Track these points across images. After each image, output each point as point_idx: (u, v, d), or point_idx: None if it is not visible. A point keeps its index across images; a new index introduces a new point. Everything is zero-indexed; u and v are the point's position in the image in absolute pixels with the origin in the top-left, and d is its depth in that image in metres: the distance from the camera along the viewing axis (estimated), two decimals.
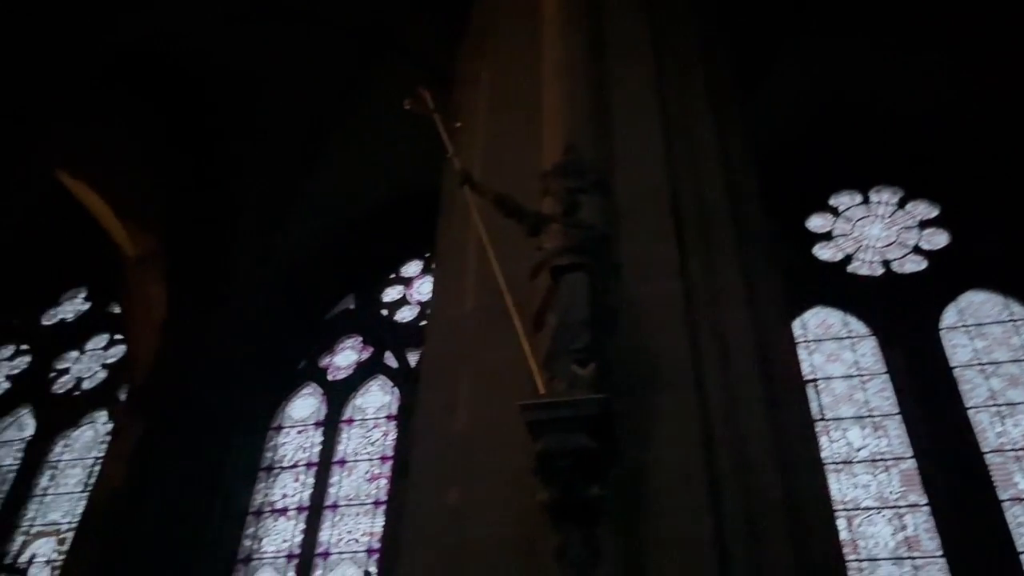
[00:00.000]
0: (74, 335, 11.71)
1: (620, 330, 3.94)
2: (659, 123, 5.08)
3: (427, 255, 11.57)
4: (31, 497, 10.21)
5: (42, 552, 9.51)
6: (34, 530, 9.89)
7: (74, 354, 11.57)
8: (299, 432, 10.31)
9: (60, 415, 10.89)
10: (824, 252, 10.10)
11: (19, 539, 9.84)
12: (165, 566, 8.77)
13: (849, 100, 9.83)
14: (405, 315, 11.15)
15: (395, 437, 9.86)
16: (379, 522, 9.23)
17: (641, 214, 4.65)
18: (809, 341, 9.18)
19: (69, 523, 9.76)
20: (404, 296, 11.35)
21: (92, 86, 9.19)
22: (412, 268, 11.56)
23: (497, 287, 4.17)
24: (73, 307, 12.05)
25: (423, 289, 11.37)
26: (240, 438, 10.13)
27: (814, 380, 8.79)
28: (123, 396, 10.67)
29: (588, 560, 3.14)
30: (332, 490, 9.68)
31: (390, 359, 10.70)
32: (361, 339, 10.96)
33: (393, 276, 11.54)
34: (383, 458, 9.76)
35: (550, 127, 5.01)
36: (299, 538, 9.35)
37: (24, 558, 9.48)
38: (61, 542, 9.65)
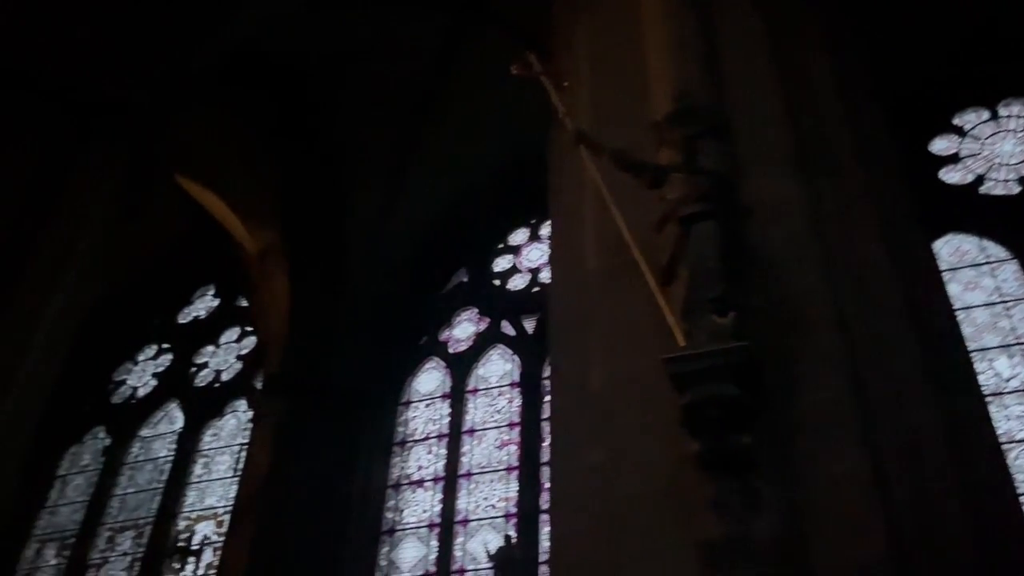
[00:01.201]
0: (208, 331, 12.35)
1: (755, 275, 3.84)
2: (772, 61, 4.88)
3: (533, 222, 11.61)
4: (188, 484, 10.89)
5: (205, 534, 10.14)
6: (194, 514, 10.56)
7: (210, 348, 12.20)
8: (427, 405, 10.58)
9: (204, 407, 11.53)
10: (952, 175, 9.53)
11: (182, 523, 10.54)
12: (315, 540, 9.23)
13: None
14: (517, 283, 11.24)
15: (520, 404, 10.00)
16: (513, 488, 9.41)
17: (762, 155, 4.50)
18: (944, 271, 8.72)
19: (224, 506, 10.37)
20: (514, 265, 11.43)
21: (199, 89, 9.57)
22: (519, 236, 11.62)
23: (619, 243, 4.15)
24: (204, 304, 12.70)
25: (531, 256, 11.43)
26: (371, 415, 10.48)
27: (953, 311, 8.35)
28: (259, 384, 11.21)
29: (748, 509, 3.11)
30: (464, 459, 9.91)
31: (507, 328, 10.82)
32: (477, 310, 11.12)
33: (501, 246, 11.63)
34: (511, 425, 9.91)
35: (657, 76, 4.90)
36: (438, 507, 9.63)
37: (185, 539, 10.22)
38: (219, 524, 10.26)
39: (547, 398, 9.89)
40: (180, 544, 9.28)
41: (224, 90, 10.16)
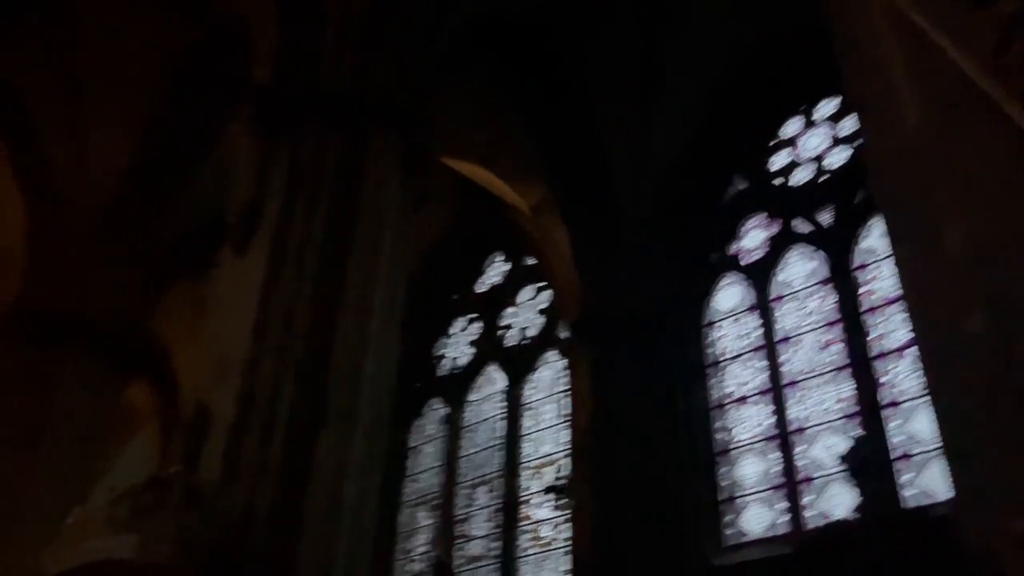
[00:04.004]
0: (506, 294, 13.00)
1: None
2: None
3: (803, 107, 10.79)
4: (521, 437, 11.59)
5: (549, 479, 10.75)
6: (534, 464, 11.23)
7: (511, 310, 12.85)
8: (733, 322, 10.30)
9: (519, 364, 12.18)
10: None
11: (525, 473, 11.26)
12: (651, 470, 9.37)
13: None
14: (800, 177, 10.52)
15: (834, 300, 9.39)
16: (847, 387, 8.89)
17: None
18: None
19: (560, 452, 10.90)
20: (793, 159, 10.70)
21: (443, 70, 9.92)
22: (792, 127, 10.84)
23: (946, 86, 3.62)
24: (497, 271, 13.38)
25: (810, 144, 10.64)
26: (677, 341, 10.40)
27: None
28: (564, 333, 11.60)
29: None
30: (785, 369, 9.53)
31: (800, 226, 10.18)
32: (764, 215, 10.58)
33: (774, 143, 10.93)
34: (829, 323, 9.35)
35: None
36: (769, 421, 9.38)
37: (533, 490, 10.91)
38: (558, 469, 10.80)
39: (864, 288, 9.22)
40: (550, 485, 9.87)
41: (464, 64, 10.48)
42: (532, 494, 10.98)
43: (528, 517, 10.88)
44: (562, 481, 9.78)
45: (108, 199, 10.11)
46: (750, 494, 9.11)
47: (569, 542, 9.99)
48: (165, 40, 9.77)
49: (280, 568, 4.99)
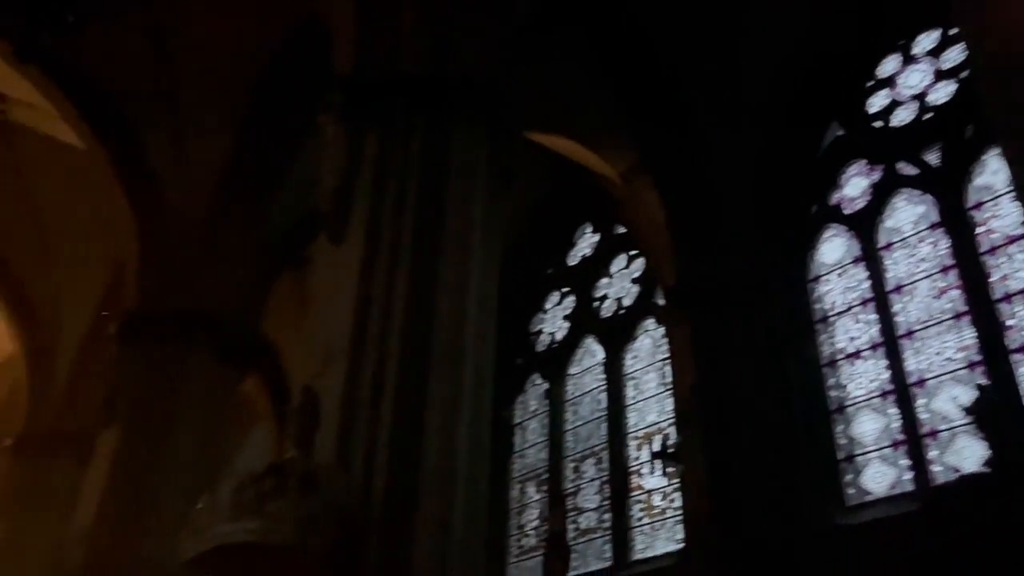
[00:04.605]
0: (598, 265, 12.88)
1: None
2: None
3: (901, 43, 10.22)
4: (625, 407, 11.49)
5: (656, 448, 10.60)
6: (640, 433, 11.11)
7: (605, 280, 12.72)
8: (839, 276, 9.90)
9: (617, 334, 12.06)
10: None
11: (632, 443, 11.16)
12: (761, 432, 9.09)
13: None
14: (902, 117, 9.97)
15: (948, 243, 8.88)
16: (968, 334, 8.41)
17: None
18: None
19: (666, 420, 10.74)
20: (892, 99, 10.14)
21: (523, 45, 9.81)
22: (889, 66, 10.30)
23: None
24: (587, 242, 13.26)
25: (911, 82, 10.08)
26: (779, 299, 10.05)
27: None
28: (661, 300, 11.40)
29: None
30: (899, 319, 9.10)
31: (905, 168, 9.66)
32: (864, 161, 10.09)
33: (871, 84, 10.38)
34: (943, 269, 8.86)
35: None
36: (885, 375, 8.98)
37: (642, 460, 10.81)
38: (665, 437, 10.65)
39: (981, 228, 8.71)
40: (658, 451, 9.74)
41: (543, 35, 10.32)
42: (641, 464, 10.89)
43: (639, 487, 10.80)
44: (671, 448, 9.63)
45: (211, 199, 10.50)
46: (871, 451, 8.76)
47: (681, 511, 9.88)
48: (252, 39, 10.04)
49: (398, 544, 5.09)
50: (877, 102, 10.22)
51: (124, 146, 10.50)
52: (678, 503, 10.01)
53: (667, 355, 10.96)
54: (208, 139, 10.50)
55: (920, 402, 8.55)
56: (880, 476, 8.63)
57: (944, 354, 8.55)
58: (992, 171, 8.68)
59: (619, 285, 12.49)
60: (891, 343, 8.97)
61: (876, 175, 9.90)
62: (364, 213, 6.75)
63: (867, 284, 9.50)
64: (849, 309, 9.62)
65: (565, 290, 13.22)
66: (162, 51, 10.02)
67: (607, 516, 10.92)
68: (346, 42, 7.84)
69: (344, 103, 7.41)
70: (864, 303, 9.45)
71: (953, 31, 9.45)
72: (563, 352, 12.72)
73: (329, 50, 8.21)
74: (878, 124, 10.10)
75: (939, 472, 8.11)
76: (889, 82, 10.21)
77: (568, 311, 13.02)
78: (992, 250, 8.50)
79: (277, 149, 10.90)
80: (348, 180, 7.03)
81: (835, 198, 10.21)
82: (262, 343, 11.70)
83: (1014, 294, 8.21)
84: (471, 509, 5.64)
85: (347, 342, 5.97)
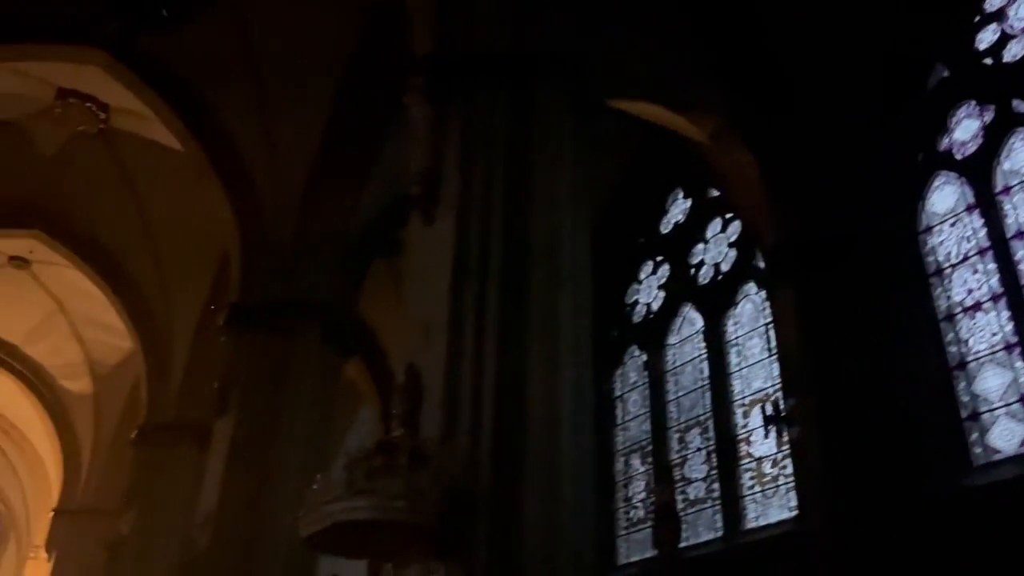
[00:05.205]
0: (692, 231, 12.56)
1: None
2: None
3: None
4: (729, 375, 11.21)
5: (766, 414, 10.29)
6: (747, 400, 10.83)
7: (700, 247, 12.40)
8: (951, 225, 9.34)
9: (716, 301, 11.76)
10: None
11: (738, 411, 10.89)
12: (875, 393, 8.68)
13: None
14: (1015, 51, 9.29)
15: None
16: None
17: None
18: None
19: (772, 386, 10.41)
20: (1002, 32, 9.47)
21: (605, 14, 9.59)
22: None
23: None
24: (679, 208, 12.95)
25: (1022, 13, 9.35)
26: (891, 255, 9.55)
27: None
28: (761, 263, 11.04)
29: None
30: (1022, 267, 8.52)
31: (1021, 106, 9.01)
32: (974, 102, 9.46)
33: (978, 19, 9.71)
34: None
35: None
36: (1008, 327, 8.44)
37: (750, 427, 10.53)
38: (775, 403, 10.31)
39: None
40: (769, 415, 9.45)
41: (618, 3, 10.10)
42: (749, 431, 10.62)
43: (748, 455, 10.54)
44: (782, 412, 9.33)
45: (303, 191, 10.77)
46: (997, 407, 8.27)
47: (792, 478, 9.58)
48: (333, 28, 10.19)
49: (507, 515, 5.10)
50: (986, 38, 9.55)
51: (218, 145, 10.87)
52: (789, 470, 9.71)
53: (770, 319, 10.62)
54: (297, 132, 10.75)
55: None
56: (1008, 434, 8.13)
57: None
58: None
59: (716, 250, 12.15)
60: (1014, 293, 8.42)
61: (988, 116, 9.27)
62: (453, 191, 6.78)
63: (983, 232, 8.94)
64: (965, 259, 9.08)
65: (659, 259, 12.97)
66: (248, 47, 10.29)
67: (715, 486, 10.71)
68: (425, 21, 7.85)
69: (426, 83, 7.44)
70: (981, 252, 8.90)
71: None
72: (660, 322, 12.49)
73: (410, 32, 8.25)
74: (988, 61, 9.45)
75: None
76: (999, 15, 9.53)
77: (663, 280, 12.77)
78: None
79: (364, 138, 11.07)
80: (436, 160, 7.07)
81: (945, 143, 9.61)
82: (362, 326, 11.98)
83: None
84: (578, 480, 5.61)
85: (445, 318, 6.02)
